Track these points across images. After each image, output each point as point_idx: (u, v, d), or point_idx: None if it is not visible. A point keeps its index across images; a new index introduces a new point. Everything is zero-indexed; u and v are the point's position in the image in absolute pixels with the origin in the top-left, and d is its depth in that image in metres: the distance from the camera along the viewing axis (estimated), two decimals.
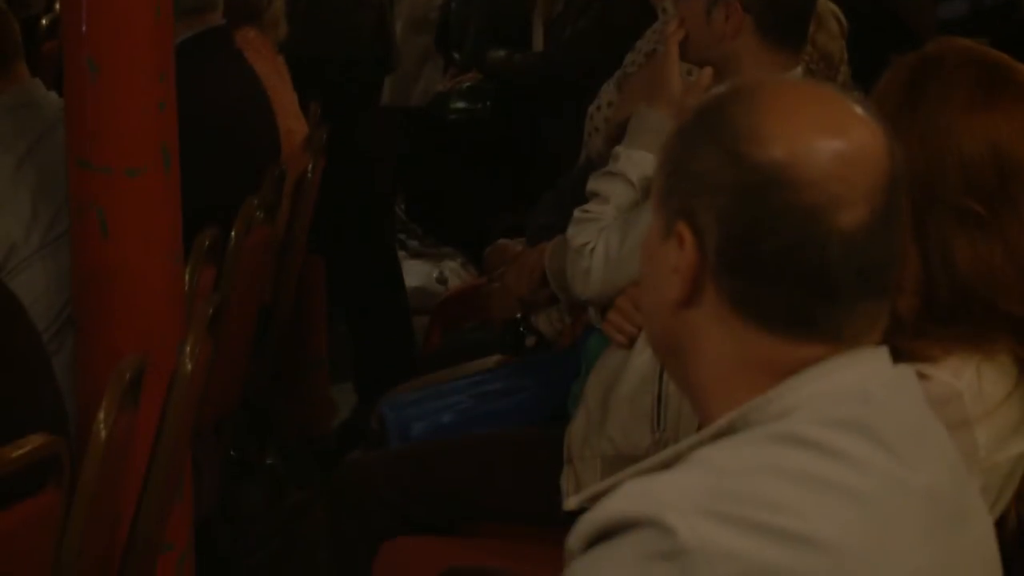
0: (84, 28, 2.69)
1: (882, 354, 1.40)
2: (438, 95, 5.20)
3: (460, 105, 5.05)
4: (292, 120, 3.84)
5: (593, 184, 2.61)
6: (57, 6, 4.85)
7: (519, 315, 3.08)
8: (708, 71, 2.51)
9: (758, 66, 2.44)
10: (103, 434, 2.30)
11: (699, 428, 1.41)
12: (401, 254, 5.19)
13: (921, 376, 1.55)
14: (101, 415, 2.32)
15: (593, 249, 2.56)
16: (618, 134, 2.74)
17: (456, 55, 5.35)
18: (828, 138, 1.33)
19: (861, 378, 1.37)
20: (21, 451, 2.09)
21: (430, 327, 4.15)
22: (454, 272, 5.45)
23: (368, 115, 4.59)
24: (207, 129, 3.15)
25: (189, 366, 2.59)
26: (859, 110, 1.39)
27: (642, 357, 2.51)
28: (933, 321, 1.79)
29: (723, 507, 1.25)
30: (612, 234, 2.55)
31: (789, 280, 1.33)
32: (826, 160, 1.31)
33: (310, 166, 3.87)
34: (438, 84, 5.31)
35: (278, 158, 3.67)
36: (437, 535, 2.76)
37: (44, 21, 5.23)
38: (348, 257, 4.51)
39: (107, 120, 2.61)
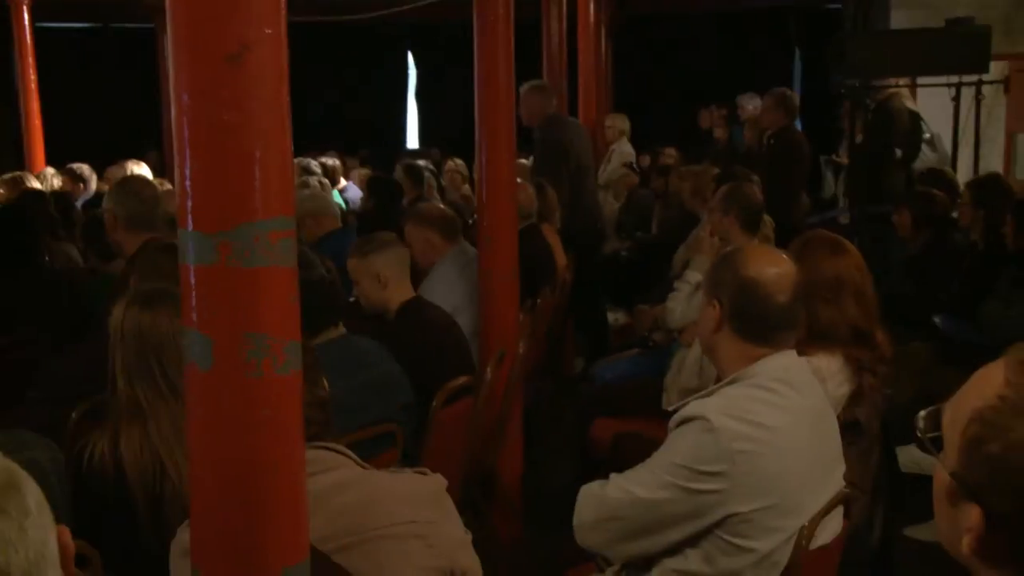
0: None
1: (793, 352, 2.48)
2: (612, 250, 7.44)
3: (623, 253, 7.29)
4: (560, 256, 5.78)
5: (677, 283, 4.69)
6: None
7: (646, 333, 5.22)
8: (716, 240, 4.52)
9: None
10: (488, 377, 4.06)
11: (717, 380, 2.59)
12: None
13: (808, 360, 2.72)
14: (488, 370, 4.10)
15: (677, 307, 4.59)
16: (685, 263, 4.77)
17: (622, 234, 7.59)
18: (774, 267, 2.48)
19: (786, 361, 2.46)
20: (458, 382, 3.75)
21: (612, 338, 6.90)
22: (621, 317, 7.54)
23: (598, 252, 6.74)
24: (529, 263, 4.80)
25: (521, 351, 4.43)
26: (786, 257, 2.53)
27: (696, 350, 4.09)
28: (811, 340, 3.00)
29: (730, 411, 2.33)
30: (685, 302, 4.54)
31: (758, 324, 2.44)
32: (774, 275, 2.45)
33: (567, 275, 6.02)
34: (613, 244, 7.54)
35: (555, 271, 5.84)
36: (616, 418, 4.49)
37: None
38: (584, 310, 6.63)
39: (496, 262, 4.47)
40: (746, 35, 14.63)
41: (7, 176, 7.96)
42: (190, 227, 1.66)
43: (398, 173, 7.99)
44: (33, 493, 1.15)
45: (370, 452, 2.99)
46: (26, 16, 9.90)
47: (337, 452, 2.13)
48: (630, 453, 3.03)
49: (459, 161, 10.11)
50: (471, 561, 2.14)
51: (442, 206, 5.55)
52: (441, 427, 3.57)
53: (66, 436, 2.92)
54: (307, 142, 10.90)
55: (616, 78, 13.43)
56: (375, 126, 16.64)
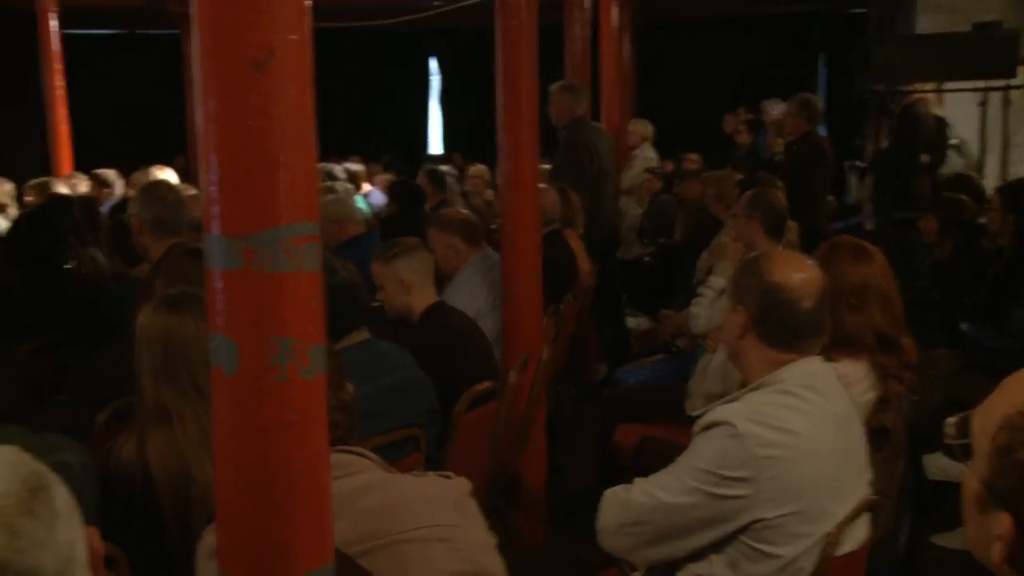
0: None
1: (819, 358, 2.50)
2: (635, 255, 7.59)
3: (646, 259, 7.45)
4: (583, 262, 5.81)
5: (701, 288, 4.74)
6: None
7: (671, 338, 5.26)
8: (740, 246, 4.52)
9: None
10: (511, 381, 4.11)
11: (741, 386, 2.58)
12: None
13: (834, 366, 2.68)
14: (512, 375, 4.15)
15: (701, 313, 4.64)
16: (709, 269, 4.77)
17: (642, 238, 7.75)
18: (799, 272, 2.46)
19: (811, 367, 2.46)
20: (482, 387, 3.73)
21: (634, 343, 6.91)
22: (643, 322, 7.63)
23: (615, 258, 6.81)
24: (552, 268, 4.91)
25: (545, 356, 4.43)
26: (811, 262, 2.55)
27: (721, 355, 4.13)
28: (836, 346, 2.95)
29: (755, 417, 2.33)
30: (709, 307, 4.58)
31: (783, 330, 2.44)
32: (799, 281, 2.44)
33: (590, 281, 6.05)
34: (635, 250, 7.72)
35: (578, 276, 5.66)
36: (639, 423, 4.48)
37: None
38: (607, 314, 6.69)
39: (519, 268, 4.51)
40: (770, 40, 14.59)
41: (34, 182, 8.06)
42: (216, 232, 1.67)
43: (421, 178, 8.03)
44: (62, 496, 1.16)
45: (394, 456, 3.02)
46: (53, 23, 9.98)
47: (361, 456, 2.15)
48: (654, 458, 3.03)
49: (482, 166, 10.16)
50: (495, 565, 2.15)
51: (465, 211, 5.55)
52: (465, 432, 3.58)
53: (94, 439, 2.95)
54: (331, 147, 10.93)
55: (639, 83, 13.40)
56: (398, 131, 16.70)
